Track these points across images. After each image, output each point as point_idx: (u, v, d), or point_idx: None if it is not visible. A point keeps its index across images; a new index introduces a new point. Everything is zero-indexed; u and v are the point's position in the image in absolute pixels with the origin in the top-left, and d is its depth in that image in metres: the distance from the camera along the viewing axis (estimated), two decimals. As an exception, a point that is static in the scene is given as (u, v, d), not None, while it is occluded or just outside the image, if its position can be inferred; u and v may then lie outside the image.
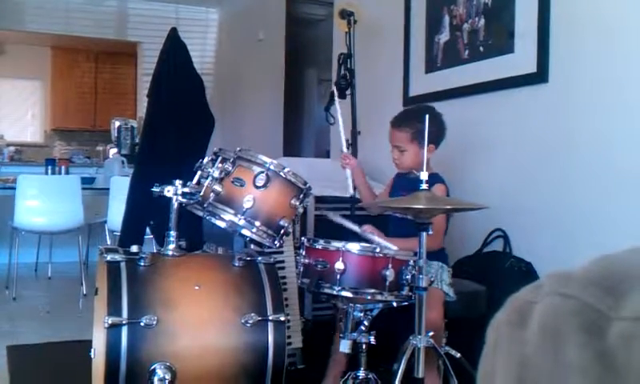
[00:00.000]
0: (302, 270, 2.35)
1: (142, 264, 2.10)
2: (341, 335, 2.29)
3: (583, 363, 0.40)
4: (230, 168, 2.22)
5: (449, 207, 2.44)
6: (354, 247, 2.25)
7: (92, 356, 2.08)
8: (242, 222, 2.21)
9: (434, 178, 2.67)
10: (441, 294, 2.59)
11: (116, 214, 4.78)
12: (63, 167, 5.71)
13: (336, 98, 2.98)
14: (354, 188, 2.94)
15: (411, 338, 2.15)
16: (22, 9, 7.54)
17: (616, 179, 2.66)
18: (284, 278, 2.87)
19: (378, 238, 2.44)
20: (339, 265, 2.20)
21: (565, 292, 0.44)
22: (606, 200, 2.69)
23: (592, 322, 0.41)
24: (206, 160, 2.30)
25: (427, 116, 2.31)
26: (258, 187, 2.21)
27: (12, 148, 8.08)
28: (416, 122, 2.66)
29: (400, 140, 2.72)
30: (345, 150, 2.90)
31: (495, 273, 2.98)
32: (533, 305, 0.46)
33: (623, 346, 0.39)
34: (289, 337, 2.71)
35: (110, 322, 1.94)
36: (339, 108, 2.93)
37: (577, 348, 0.41)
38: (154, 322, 1.97)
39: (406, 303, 2.29)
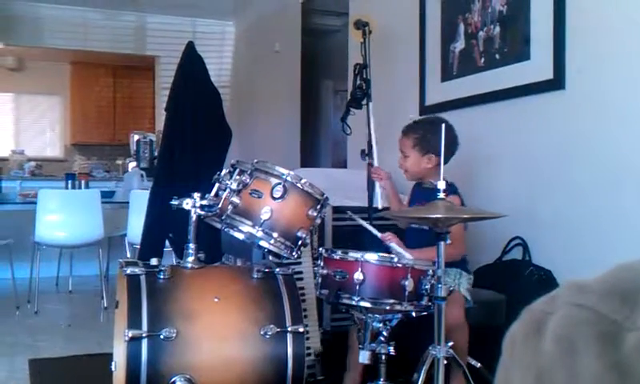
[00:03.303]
0: (320, 280, 2.35)
1: (162, 277, 2.12)
2: (360, 346, 2.28)
3: (599, 374, 0.40)
4: (248, 180, 2.23)
5: (467, 216, 2.43)
6: (372, 257, 2.25)
7: (113, 369, 2.09)
8: (259, 234, 2.22)
9: (448, 189, 2.67)
10: (460, 296, 2.59)
11: (135, 227, 4.81)
12: (83, 181, 5.77)
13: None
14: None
15: (431, 348, 2.14)
16: (41, 26, 7.64)
17: (635, 186, 2.63)
18: (302, 288, 2.87)
19: (397, 247, 2.44)
20: (358, 275, 2.20)
21: (580, 302, 0.44)
22: (626, 207, 2.67)
23: (608, 333, 0.41)
24: (223, 172, 2.31)
25: (444, 126, 2.31)
26: (275, 199, 2.22)
27: (32, 163, 8.16)
28: (421, 130, 2.75)
29: (403, 145, 2.81)
30: (375, 163, 2.97)
31: (515, 281, 2.96)
32: (548, 315, 0.45)
33: (639, 357, 0.39)
34: (308, 348, 2.71)
35: (130, 334, 1.95)
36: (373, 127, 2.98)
37: (592, 359, 0.41)
38: (174, 335, 1.98)
39: (425, 313, 2.29)
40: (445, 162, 2.72)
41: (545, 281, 2.92)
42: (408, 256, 2.32)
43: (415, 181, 2.88)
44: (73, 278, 5.89)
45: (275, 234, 2.23)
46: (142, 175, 6.25)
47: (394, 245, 2.48)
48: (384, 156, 3.15)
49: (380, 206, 2.95)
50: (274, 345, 2.11)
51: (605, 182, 2.76)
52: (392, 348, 2.28)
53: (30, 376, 3.39)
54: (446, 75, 3.80)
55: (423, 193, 2.72)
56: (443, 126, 2.28)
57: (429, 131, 2.67)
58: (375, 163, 2.98)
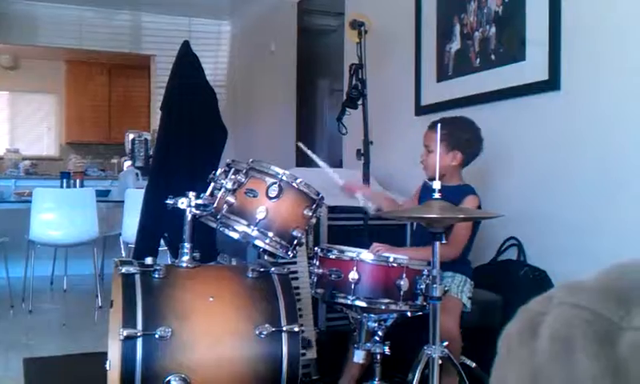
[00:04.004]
0: (315, 280, 2.35)
1: (157, 276, 2.11)
2: (355, 346, 2.28)
3: (595, 373, 0.40)
4: (243, 179, 2.23)
5: (462, 216, 2.43)
6: (367, 257, 2.25)
7: (107, 368, 2.09)
8: (255, 233, 2.21)
9: (466, 189, 2.67)
10: (459, 303, 2.58)
11: (130, 226, 4.80)
12: (78, 180, 5.76)
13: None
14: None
15: (425, 347, 2.14)
16: (36, 24, 7.62)
17: (630, 186, 2.64)
18: (297, 288, 2.87)
19: (388, 254, 2.43)
20: (353, 274, 2.20)
21: (576, 302, 0.44)
22: (620, 207, 2.68)
23: (603, 332, 0.41)
24: (219, 171, 2.31)
25: (439, 124, 2.32)
26: (270, 198, 2.22)
27: (27, 162, 8.14)
28: (449, 126, 2.70)
29: (429, 139, 2.72)
30: (340, 184, 2.80)
31: (510, 282, 2.97)
32: (543, 315, 0.46)
33: (635, 356, 0.39)
34: (303, 347, 2.71)
35: (125, 334, 1.95)
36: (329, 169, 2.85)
37: (588, 358, 0.41)
38: (169, 334, 1.98)
39: (420, 313, 2.29)
40: (467, 164, 2.74)
41: (540, 281, 2.93)
42: (402, 257, 2.31)
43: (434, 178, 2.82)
44: (67, 277, 5.87)
45: (270, 234, 2.23)
46: (137, 174, 6.24)
47: (385, 254, 2.46)
48: (379, 154, 3.15)
49: (372, 211, 2.89)
50: (269, 344, 2.11)
51: (600, 182, 2.77)
52: (387, 348, 2.29)
53: (24, 375, 3.38)
54: (442, 75, 3.81)
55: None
56: (439, 125, 2.29)
57: (458, 128, 2.67)
58: (340, 182, 2.80)
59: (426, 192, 2.82)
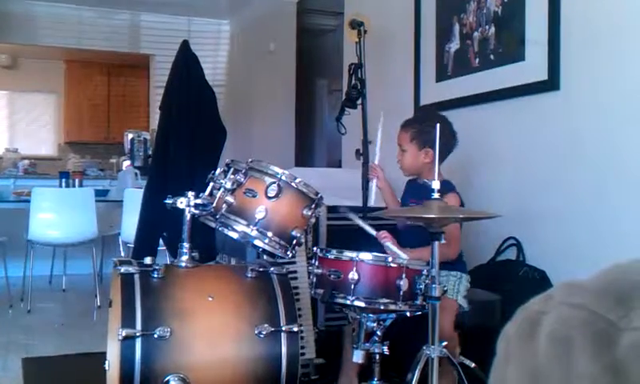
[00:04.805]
0: (315, 280, 2.34)
1: (156, 276, 2.11)
2: (354, 346, 2.28)
3: (594, 374, 0.40)
4: (242, 179, 2.23)
5: (461, 216, 2.44)
6: (366, 257, 2.25)
7: (106, 368, 2.09)
8: (254, 233, 2.21)
9: (445, 186, 2.67)
10: (454, 304, 2.58)
11: (129, 225, 4.80)
12: (77, 180, 5.76)
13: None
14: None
15: (425, 347, 2.14)
16: (35, 23, 7.61)
17: (629, 187, 2.64)
18: (297, 288, 2.86)
19: (392, 245, 2.44)
20: (353, 275, 2.19)
21: (575, 302, 0.44)
22: (619, 208, 2.68)
23: (602, 333, 0.41)
24: (218, 171, 2.31)
25: (438, 125, 2.31)
26: (270, 198, 2.22)
27: (26, 161, 8.13)
28: (418, 125, 2.72)
29: (401, 139, 2.79)
30: (376, 162, 2.92)
31: (509, 282, 2.97)
32: (542, 315, 0.45)
33: (634, 357, 0.39)
34: (302, 347, 2.71)
35: (123, 333, 1.95)
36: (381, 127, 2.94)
37: (587, 358, 0.41)
38: (168, 334, 1.98)
39: (419, 313, 2.29)
40: (442, 159, 2.73)
41: (539, 281, 2.93)
42: (403, 255, 2.32)
43: (412, 176, 2.85)
44: (66, 276, 5.87)
45: (270, 234, 2.23)
46: (136, 174, 6.24)
47: (389, 244, 2.47)
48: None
49: (372, 204, 2.93)
50: (268, 344, 2.11)
51: (599, 182, 2.77)
52: (386, 348, 2.28)
53: (23, 375, 3.38)
54: (441, 75, 3.81)
55: (417, 189, 2.72)
56: (438, 126, 2.28)
57: (427, 125, 2.65)
58: (376, 161, 2.94)
59: (410, 190, 2.83)
